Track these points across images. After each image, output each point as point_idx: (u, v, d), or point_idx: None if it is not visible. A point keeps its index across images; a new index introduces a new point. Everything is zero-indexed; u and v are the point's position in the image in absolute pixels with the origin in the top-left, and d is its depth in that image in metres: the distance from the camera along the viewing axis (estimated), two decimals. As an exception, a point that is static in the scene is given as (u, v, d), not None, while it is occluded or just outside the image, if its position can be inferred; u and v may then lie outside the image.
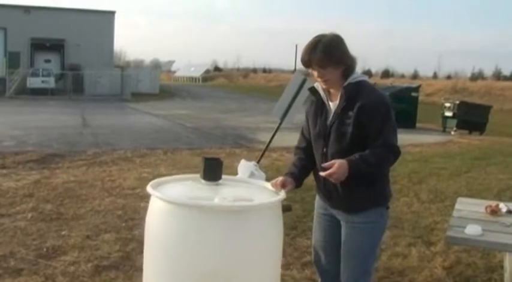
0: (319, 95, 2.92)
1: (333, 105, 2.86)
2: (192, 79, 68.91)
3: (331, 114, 2.85)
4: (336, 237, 3.01)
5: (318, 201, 3.16)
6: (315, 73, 2.80)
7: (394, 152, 2.75)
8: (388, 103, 2.81)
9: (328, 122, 2.85)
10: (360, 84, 2.80)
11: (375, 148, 2.71)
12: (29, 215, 5.74)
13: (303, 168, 3.00)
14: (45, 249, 4.70)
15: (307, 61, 2.78)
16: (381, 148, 2.72)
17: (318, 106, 2.94)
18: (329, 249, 3.10)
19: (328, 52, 2.72)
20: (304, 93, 4.73)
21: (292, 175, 2.94)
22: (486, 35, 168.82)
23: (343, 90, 2.79)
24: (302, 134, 3.11)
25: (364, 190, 2.83)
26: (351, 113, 2.75)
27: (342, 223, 2.98)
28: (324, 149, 2.87)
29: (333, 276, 3.09)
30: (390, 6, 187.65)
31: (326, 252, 3.12)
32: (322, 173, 2.69)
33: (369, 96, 2.76)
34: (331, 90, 2.88)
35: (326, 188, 2.93)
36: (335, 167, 2.63)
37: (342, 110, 2.79)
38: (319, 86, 2.91)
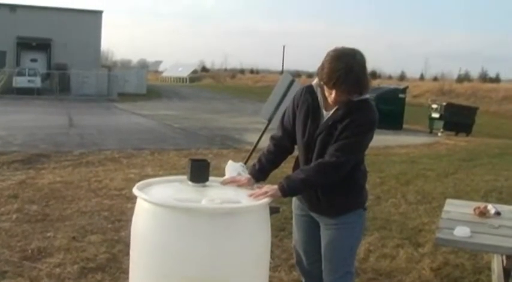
0: (316, 97, 2.83)
1: (326, 114, 2.79)
2: (180, 79, 68.63)
3: (321, 123, 2.79)
4: (316, 238, 3.01)
5: (294, 202, 3.16)
6: (331, 93, 2.67)
7: (334, 166, 2.69)
8: (372, 124, 2.74)
9: (317, 131, 2.79)
10: (361, 102, 2.70)
11: (320, 160, 2.73)
12: (14, 216, 5.66)
13: (268, 162, 2.98)
14: (30, 251, 4.63)
15: (332, 86, 2.63)
16: (327, 156, 2.70)
17: (311, 108, 2.83)
18: (310, 250, 3.10)
19: (358, 84, 2.61)
20: (292, 94, 4.71)
21: (254, 170, 2.97)
22: (472, 37, 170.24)
23: (343, 106, 2.70)
24: (282, 122, 3.03)
25: (342, 196, 2.84)
26: (339, 126, 2.70)
27: (321, 225, 2.98)
28: (310, 155, 2.84)
29: (315, 277, 3.09)
30: (378, 8, 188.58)
31: (307, 254, 3.13)
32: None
33: (361, 114, 2.69)
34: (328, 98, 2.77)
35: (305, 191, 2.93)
36: (263, 191, 2.69)
37: (333, 123, 2.73)
38: (318, 89, 2.81)
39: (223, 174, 3.00)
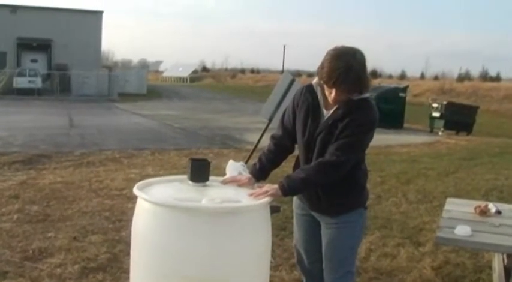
0: (316, 96, 2.82)
1: (326, 113, 2.78)
2: (180, 79, 68.62)
3: (321, 122, 2.78)
4: (317, 237, 3.01)
5: (295, 201, 3.15)
6: (331, 93, 2.66)
7: (334, 165, 2.68)
8: (372, 124, 2.73)
9: (317, 130, 2.78)
10: (361, 101, 2.69)
11: (320, 159, 2.72)
12: (15, 217, 5.66)
13: (268, 161, 2.97)
14: (31, 251, 4.64)
15: (332, 85, 2.61)
16: (327, 156, 2.70)
17: (311, 108, 2.81)
18: (311, 249, 3.10)
19: (358, 83, 2.59)
20: (293, 94, 4.71)
21: (254, 169, 2.96)
22: (473, 37, 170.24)
23: (343, 105, 2.69)
24: (282, 122, 3.02)
25: (343, 196, 2.84)
26: (339, 125, 2.69)
27: (322, 224, 2.98)
28: (310, 154, 2.83)
29: (316, 276, 3.08)
30: (378, 8, 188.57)
31: (308, 253, 3.13)
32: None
33: (361, 113, 2.68)
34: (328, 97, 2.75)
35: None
36: (264, 190, 2.69)
37: (333, 122, 2.72)
38: (318, 88, 2.80)
39: (223, 174, 3.00)
